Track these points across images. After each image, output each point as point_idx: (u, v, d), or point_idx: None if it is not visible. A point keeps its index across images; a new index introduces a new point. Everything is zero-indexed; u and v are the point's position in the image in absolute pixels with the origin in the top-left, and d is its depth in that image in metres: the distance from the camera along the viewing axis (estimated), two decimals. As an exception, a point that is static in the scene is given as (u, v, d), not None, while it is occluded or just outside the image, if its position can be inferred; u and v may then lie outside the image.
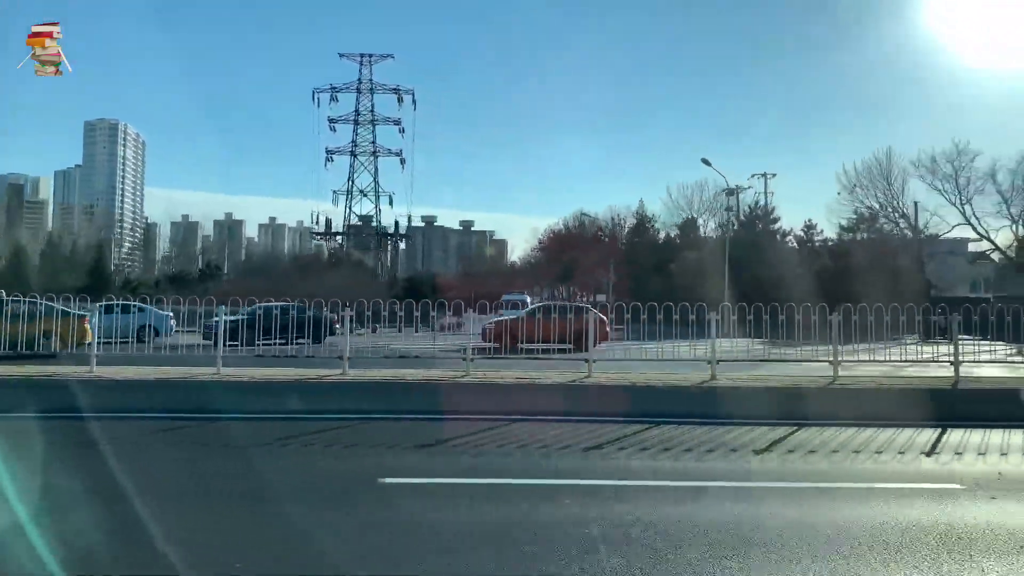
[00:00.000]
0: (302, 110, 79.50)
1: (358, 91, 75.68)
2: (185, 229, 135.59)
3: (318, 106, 74.96)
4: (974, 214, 47.18)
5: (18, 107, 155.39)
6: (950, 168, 47.29)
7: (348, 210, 78.19)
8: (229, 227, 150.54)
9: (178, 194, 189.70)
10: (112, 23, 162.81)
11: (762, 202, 56.82)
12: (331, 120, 76.01)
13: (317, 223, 76.92)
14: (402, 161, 76.08)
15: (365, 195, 77.95)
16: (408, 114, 75.74)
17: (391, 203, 78.03)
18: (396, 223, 78.49)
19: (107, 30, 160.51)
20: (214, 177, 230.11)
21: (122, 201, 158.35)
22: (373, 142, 77.15)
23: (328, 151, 77.62)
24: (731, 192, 53.16)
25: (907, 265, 41.70)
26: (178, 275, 70.29)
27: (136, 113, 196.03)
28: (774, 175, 56.40)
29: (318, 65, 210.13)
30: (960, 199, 47.20)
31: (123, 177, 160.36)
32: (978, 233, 47.93)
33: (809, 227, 56.68)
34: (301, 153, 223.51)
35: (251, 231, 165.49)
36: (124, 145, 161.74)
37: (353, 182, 77.54)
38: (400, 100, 75.27)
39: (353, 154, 76.83)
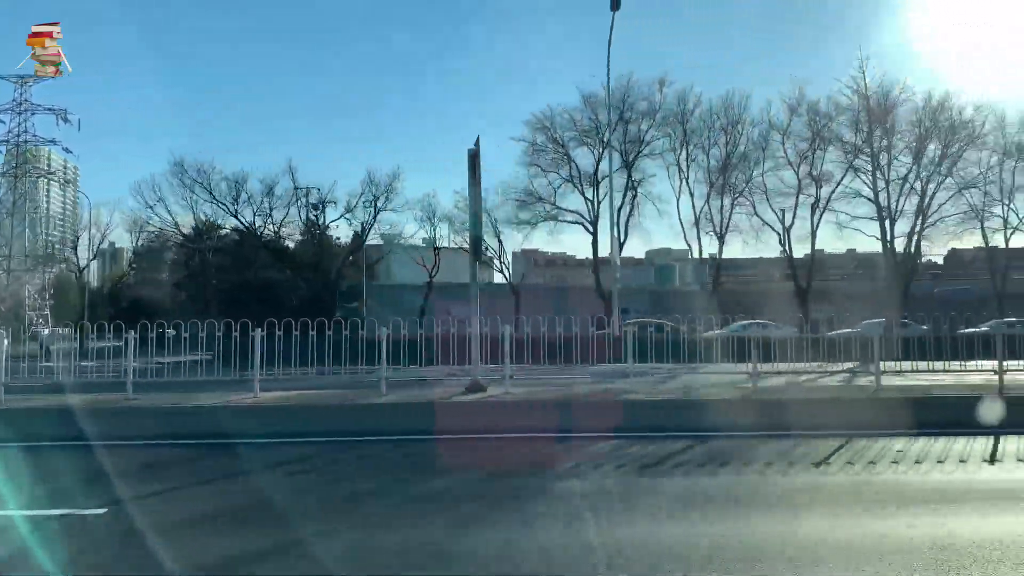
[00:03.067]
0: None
1: (16, 112, 72.14)
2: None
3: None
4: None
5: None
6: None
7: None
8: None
9: None
10: None
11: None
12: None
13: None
14: (66, 182, 75.53)
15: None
16: (72, 134, 73.56)
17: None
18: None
19: None
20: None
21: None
22: (25, 163, 74.42)
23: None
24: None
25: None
26: None
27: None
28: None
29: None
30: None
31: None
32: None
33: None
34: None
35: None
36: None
37: (14, 203, 73.08)
38: (63, 120, 71.45)
39: (15, 175, 73.68)
